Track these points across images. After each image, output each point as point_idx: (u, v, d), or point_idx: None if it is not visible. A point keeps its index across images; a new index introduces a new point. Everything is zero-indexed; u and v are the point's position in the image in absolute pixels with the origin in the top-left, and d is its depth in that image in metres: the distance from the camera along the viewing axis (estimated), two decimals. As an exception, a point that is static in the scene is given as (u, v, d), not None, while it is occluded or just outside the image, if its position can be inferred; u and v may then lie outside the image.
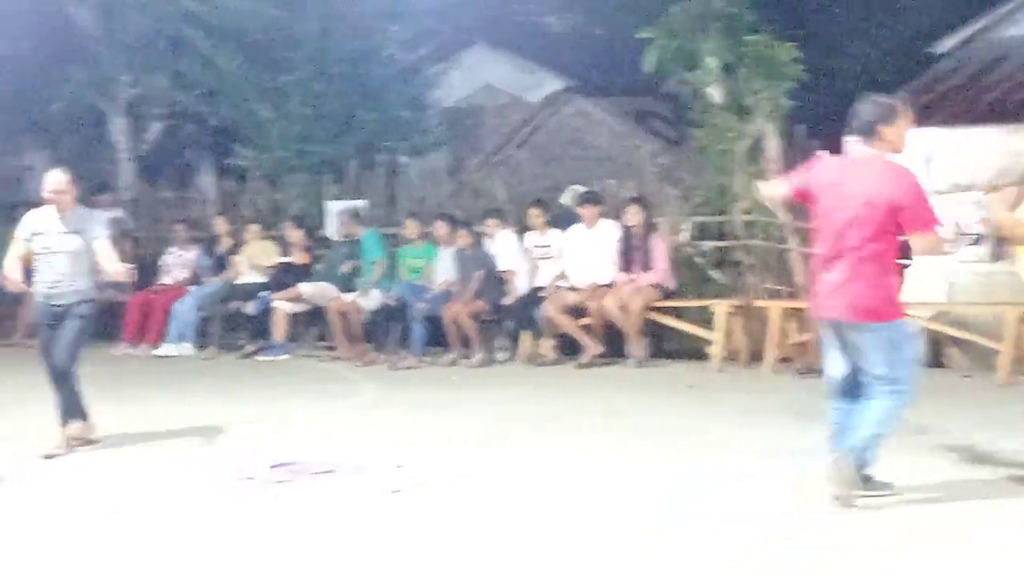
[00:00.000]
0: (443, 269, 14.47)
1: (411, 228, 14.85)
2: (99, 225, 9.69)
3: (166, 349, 15.42)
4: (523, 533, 6.70)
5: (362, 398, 11.78)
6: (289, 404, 11.42)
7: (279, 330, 14.96)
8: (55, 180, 9.54)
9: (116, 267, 9.56)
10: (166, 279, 16.43)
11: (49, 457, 9.05)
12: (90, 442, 9.39)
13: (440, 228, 14.59)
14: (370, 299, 14.47)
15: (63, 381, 9.39)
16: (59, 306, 9.43)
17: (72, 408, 9.41)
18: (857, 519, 6.86)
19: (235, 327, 15.76)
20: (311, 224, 16.05)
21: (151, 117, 19.48)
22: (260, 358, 14.81)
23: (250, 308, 15.24)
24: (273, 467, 8.41)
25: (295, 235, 15.57)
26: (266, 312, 15.10)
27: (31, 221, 9.64)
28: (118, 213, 17.06)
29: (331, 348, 14.83)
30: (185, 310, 15.58)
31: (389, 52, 18.09)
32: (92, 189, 17.91)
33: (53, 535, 6.92)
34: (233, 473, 8.33)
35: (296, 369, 14.04)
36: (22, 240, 9.60)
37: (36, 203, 19.04)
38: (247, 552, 6.51)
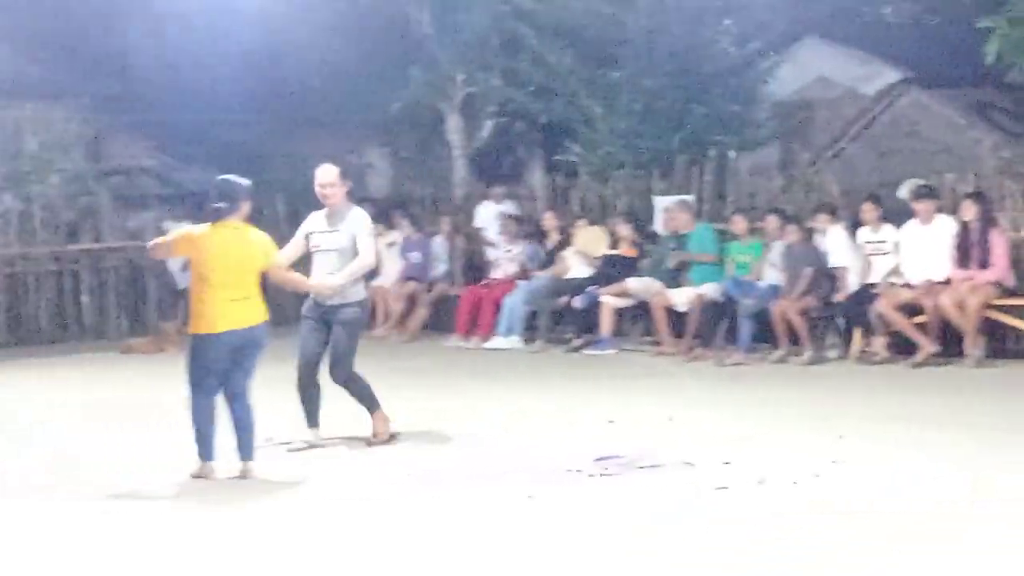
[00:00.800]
0: (771, 265, 14.27)
1: (739, 223, 14.69)
2: (362, 223, 9.35)
3: (496, 342, 15.71)
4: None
5: (687, 394, 11.73)
6: (614, 398, 11.48)
7: (606, 325, 15.04)
8: (325, 174, 9.29)
9: (360, 267, 9.26)
10: (496, 274, 16.74)
11: (370, 444, 9.34)
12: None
13: (770, 223, 14.38)
14: (697, 295, 14.38)
15: (351, 387, 9.39)
16: (325, 307, 9.25)
17: (368, 399, 9.48)
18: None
19: (562, 321, 15.94)
20: (639, 219, 16.09)
21: (484, 115, 19.86)
22: (587, 352, 14.92)
23: (577, 302, 15.37)
24: (597, 460, 8.47)
25: (623, 230, 15.64)
26: (593, 306, 15.20)
27: (308, 220, 9.50)
28: (510, 207, 17.42)
29: (657, 343, 14.82)
30: (514, 304, 15.83)
31: (721, 46, 17.93)
32: (487, 182, 18.49)
33: (377, 520, 7.15)
34: (560, 464, 8.43)
35: (622, 364, 14.08)
36: (299, 239, 9.44)
37: (375, 200, 19.84)
38: (575, 542, 6.59)
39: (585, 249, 15.79)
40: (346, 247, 9.24)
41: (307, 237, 9.41)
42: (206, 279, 8.39)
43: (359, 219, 9.36)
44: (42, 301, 17.90)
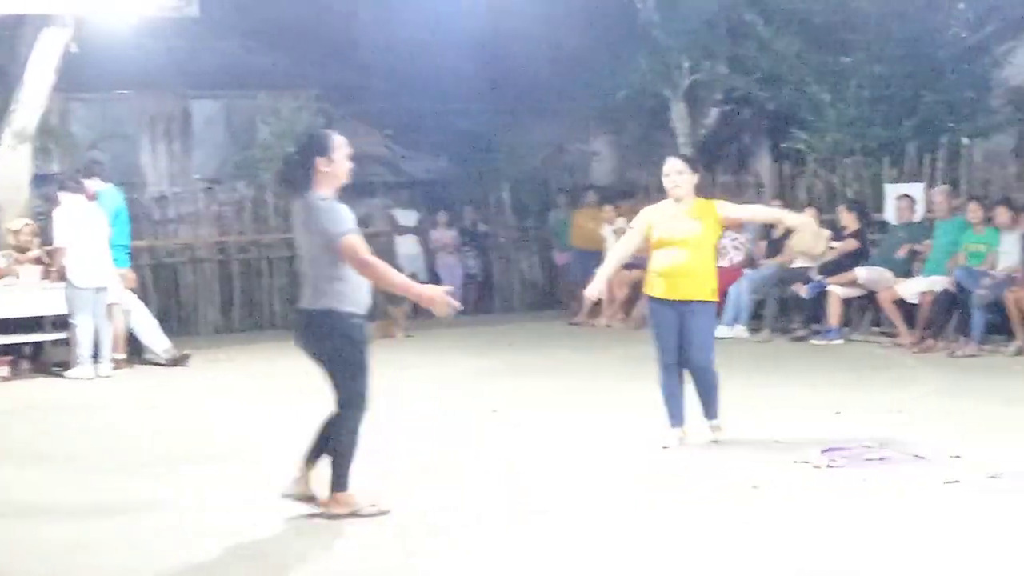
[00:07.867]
0: (1005, 255, 13.85)
1: (973, 212, 14.30)
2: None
3: (721, 331, 15.42)
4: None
5: (917, 386, 11.48)
6: (842, 389, 11.31)
7: (834, 314, 14.81)
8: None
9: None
10: (722, 262, 16.57)
11: None
12: None
13: (1002, 213, 13.97)
14: (928, 285, 14.06)
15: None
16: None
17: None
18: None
19: (788, 310, 15.77)
20: (868, 208, 15.81)
21: (709, 102, 19.72)
22: (814, 342, 14.73)
23: (804, 292, 15.17)
24: (824, 451, 8.36)
25: (848, 218, 15.38)
26: (820, 296, 14.99)
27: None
28: None
29: (886, 334, 14.56)
30: (740, 293, 15.71)
31: (954, 31, 17.50)
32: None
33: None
34: (786, 455, 8.35)
35: (849, 354, 13.86)
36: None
37: (601, 187, 19.80)
38: (799, 534, 6.56)
39: (803, 251, 15.50)
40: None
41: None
42: None
43: None
44: (275, 287, 18.42)
